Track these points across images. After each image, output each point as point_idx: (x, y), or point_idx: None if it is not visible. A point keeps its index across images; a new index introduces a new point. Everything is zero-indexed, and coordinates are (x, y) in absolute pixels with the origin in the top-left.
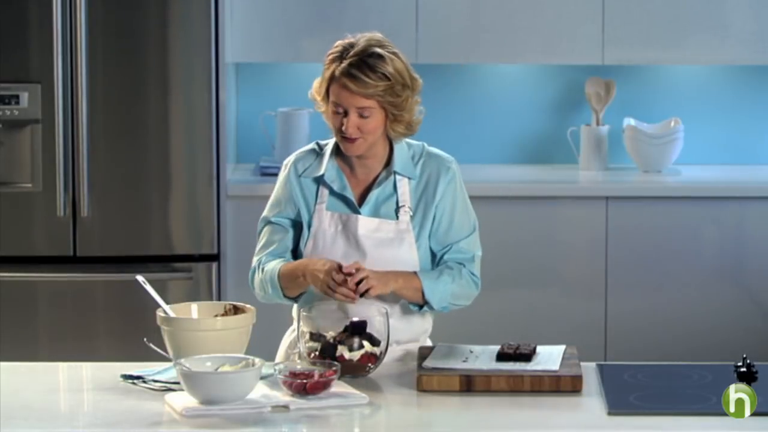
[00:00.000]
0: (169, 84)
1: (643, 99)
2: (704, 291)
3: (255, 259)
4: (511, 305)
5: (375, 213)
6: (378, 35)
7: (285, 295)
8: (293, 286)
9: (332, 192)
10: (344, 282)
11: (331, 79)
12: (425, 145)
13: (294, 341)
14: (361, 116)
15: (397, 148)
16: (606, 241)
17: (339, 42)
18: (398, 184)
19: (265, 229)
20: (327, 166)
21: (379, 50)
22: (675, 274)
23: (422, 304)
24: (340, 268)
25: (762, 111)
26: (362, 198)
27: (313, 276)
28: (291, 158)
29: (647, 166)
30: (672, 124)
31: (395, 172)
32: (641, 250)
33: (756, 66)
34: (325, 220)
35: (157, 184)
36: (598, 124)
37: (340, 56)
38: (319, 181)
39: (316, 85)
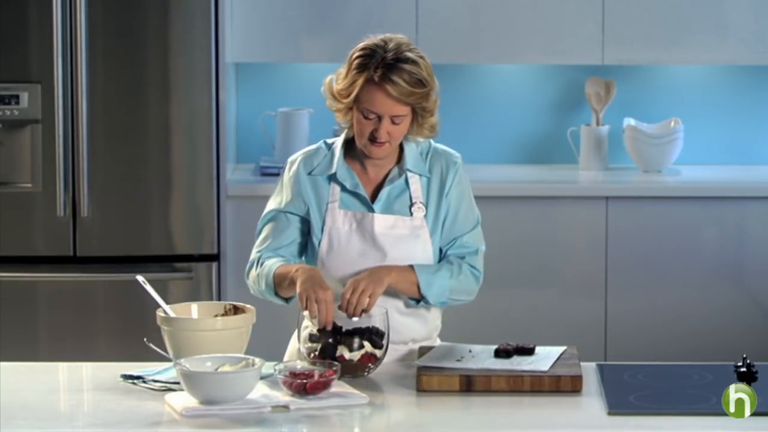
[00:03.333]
0: (169, 84)
1: (643, 99)
2: (704, 291)
3: (254, 253)
4: (511, 305)
5: (388, 210)
6: (402, 37)
7: (276, 293)
8: (285, 287)
9: (344, 190)
10: (314, 310)
11: (365, 84)
12: (431, 141)
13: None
14: (393, 122)
15: (407, 146)
16: (606, 241)
17: (365, 43)
18: (410, 181)
19: (268, 225)
20: (338, 164)
21: (411, 55)
22: (675, 274)
23: (419, 299)
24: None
25: (762, 111)
26: (374, 196)
27: (302, 279)
28: (298, 156)
29: (647, 166)
30: (672, 124)
31: (407, 170)
32: (641, 250)
33: (756, 66)
34: (339, 219)
35: (157, 184)
36: (598, 124)
37: (371, 59)
38: (330, 179)
39: (339, 87)
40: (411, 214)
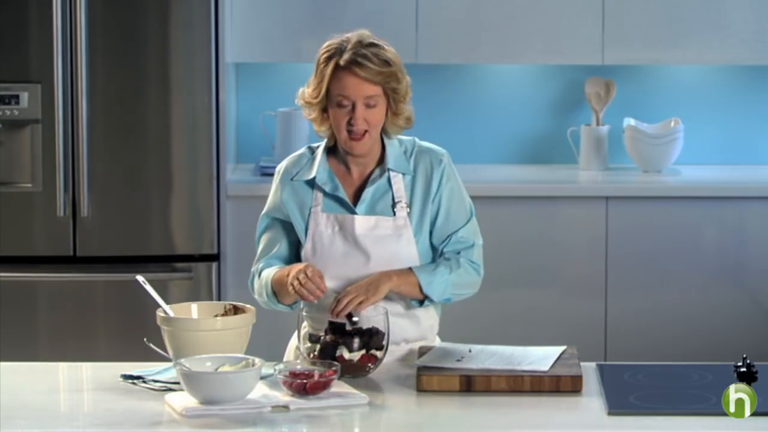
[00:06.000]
0: (169, 84)
1: (643, 99)
2: (704, 291)
3: (254, 267)
4: (511, 305)
5: (371, 211)
6: (366, 31)
7: (279, 302)
8: (284, 292)
9: (325, 194)
10: (309, 280)
11: (334, 71)
12: (416, 139)
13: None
14: (368, 106)
15: (389, 145)
16: (606, 241)
17: (328, 42)
18: (392, 180)
19: (264, 235)
20: (318, 168)
21: (374, 41)
22: (675, 274)
23: (422, 299)
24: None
25: (762, 111)
26: (358, 197)
27: (291, 277)
28: (282, 164)
29: (647, 166)
30: (672, 124)
31: (389, 169)
32: (641, 250)
33: (756, 66)
34: (322, 222)
35: (157, 184)
36: (598, 124)
37: (338, 51)
38: (312, 184)
39: (310, 90)
40: (394, 213)
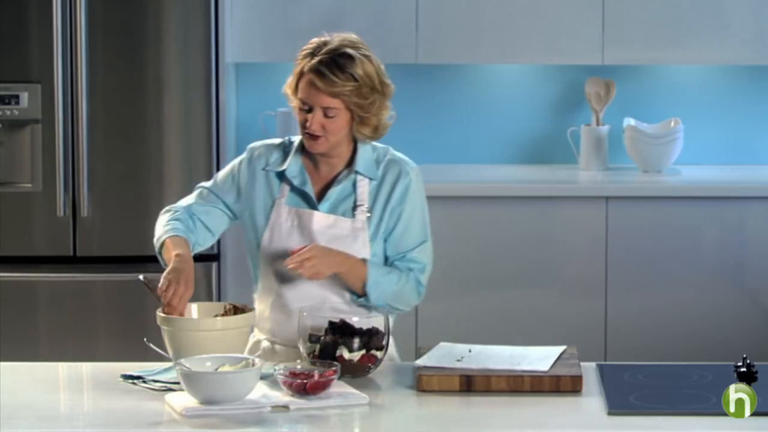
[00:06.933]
0: (169, 84)
1: (643, 99)
2: (704, 291)
3: (179, 201)
4: (511, 305)
5: (333, 210)
6: (353, 36)
7: (164, 262)
8: (164, 258)
9: (293, 187)
10: (169, 296)
11: (300, 74)
12: (390, 148)
13: (253, 347)
14: (326, 116)
15: (361, 148)
16: (606, 241)
17: (313, 39)
18: (358, 184)
19: (205, 191)
20: (291, 161)
21: (350, 51)
22: (675, 274)
23: (360, 295)
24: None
25: (762, 111)
26: (324, 195)
27: (173, 266)
28: (259, 148)
29: (647, 166)
30: (672, 124)
31: (356, 172)
32: (641, 250)
33: (756, 66)
34: (283, 214)
35: (157, 184)
36: (598, 124)
37: (312, 53)
38: (282, 176)
39: (289, 80)
40: (354, 216)
